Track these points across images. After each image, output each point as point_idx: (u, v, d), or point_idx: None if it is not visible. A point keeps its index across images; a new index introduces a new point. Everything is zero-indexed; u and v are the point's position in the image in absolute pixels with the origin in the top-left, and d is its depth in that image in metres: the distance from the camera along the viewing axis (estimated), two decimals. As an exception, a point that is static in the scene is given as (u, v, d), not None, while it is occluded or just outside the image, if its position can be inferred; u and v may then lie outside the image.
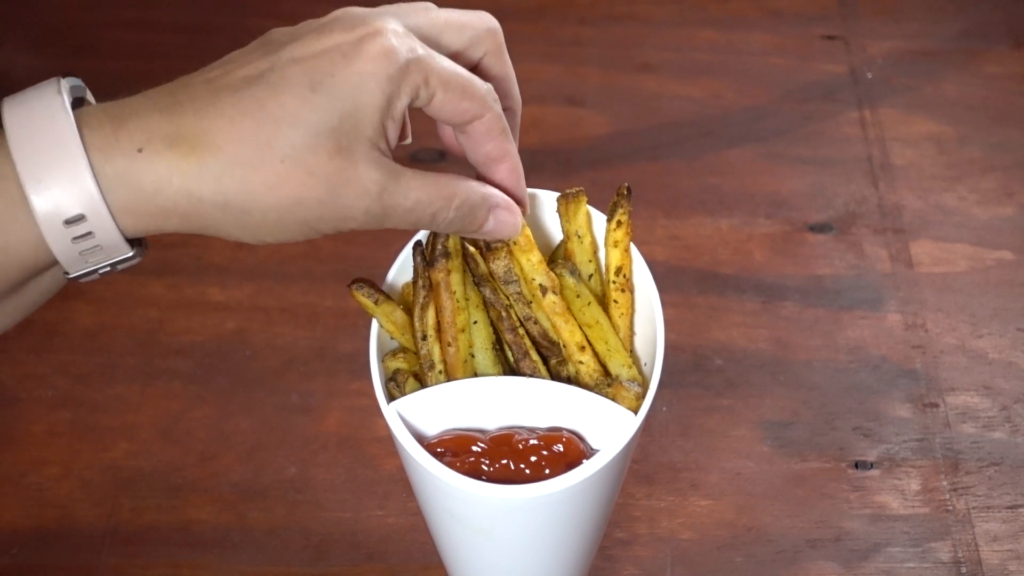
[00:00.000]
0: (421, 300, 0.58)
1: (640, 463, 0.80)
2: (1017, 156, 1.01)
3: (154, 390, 0.84)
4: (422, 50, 0.49)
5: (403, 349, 0.60)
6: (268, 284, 0.90)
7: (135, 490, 0.79)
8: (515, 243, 0.56)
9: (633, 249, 0.60)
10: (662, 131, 1.03)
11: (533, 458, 0.57)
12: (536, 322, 0.59)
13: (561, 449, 0.57)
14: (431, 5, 0.53)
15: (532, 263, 0.57)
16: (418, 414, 0.58)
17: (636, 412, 0.57)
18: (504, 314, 0.59)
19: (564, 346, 0.59)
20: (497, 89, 0.53)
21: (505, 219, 0.54)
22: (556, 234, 0.62)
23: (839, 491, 0.79)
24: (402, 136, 0.53)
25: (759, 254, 0.93)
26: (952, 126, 1.03)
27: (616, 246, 0.59)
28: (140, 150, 0.47)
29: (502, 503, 0.55)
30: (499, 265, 0.58)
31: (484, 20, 0.54)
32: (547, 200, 0.62)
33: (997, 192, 0.98)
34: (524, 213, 0.56)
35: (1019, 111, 1.04)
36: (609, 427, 0.57)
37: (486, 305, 0.60)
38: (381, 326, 0.59)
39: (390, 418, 0.56)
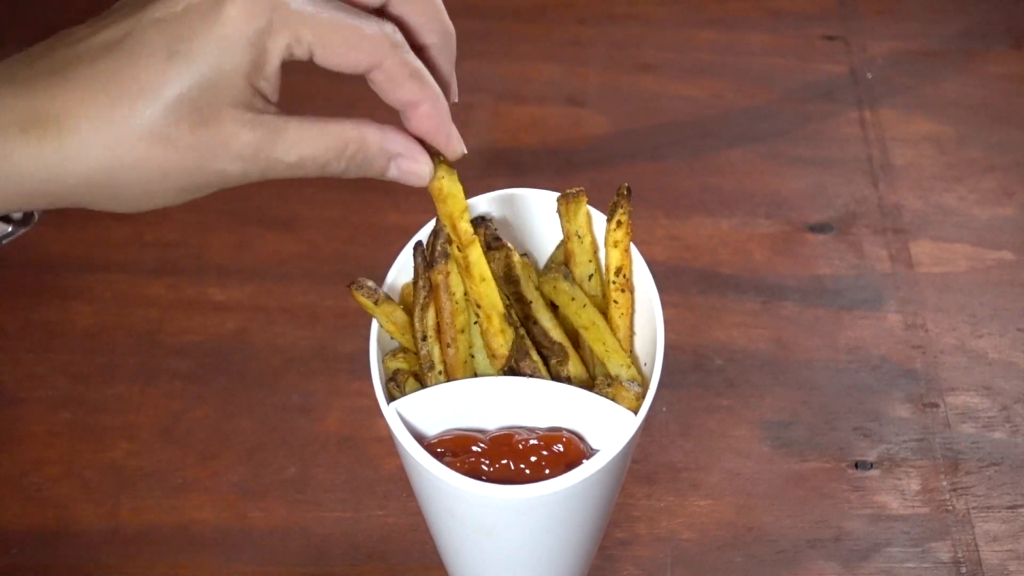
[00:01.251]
0: (421, 301, 0.58)
1: (640, 463, 0.80)
2: (1017, 156, 1.01)
3: (154, 390, 0.84)
4: (294, 3, 0.46)
5: (403, 349, 0.61)
6: (268, 284, 0.90)
7: (135, 490, 0.79)
8: (434, 187, 0.53)
9: (633, 249, 0.60)
10: (662, 131, 1.03)
11: (533, 458, 0.57)
12: (536, 322, 0.59)
13: (561, 449, 0.57)
14: None
15: (448, 211, 0.53)
16: (418, 414, 0.58)
17: (636, 412, 0.57)
18: (504, 314, 0.59)
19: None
20: (414, 27, 0.50)
21: (409, 168, 0.51)
22: (556, 234, 0.62)
23: (839, 491, 0.79)
24: None
25: (759, 254, 0.93)
26: (952, 126, 1.03)
27: (616, 246, 0.59)
28: None
29: (502, 503, 0.55)
30: (499, 265, 0.58)
31: None
32: (547, 200, 0.62)
33: (997, 192, 0.98)
34: (451, 154, 0.52)
35: (1019, 111, 1.04)
36: (609, 427, 0.57)
37: (486, 305, 0.60)
38: (381, 326, 0.59)
39: (390, 418, 0.56)
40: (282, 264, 0.91)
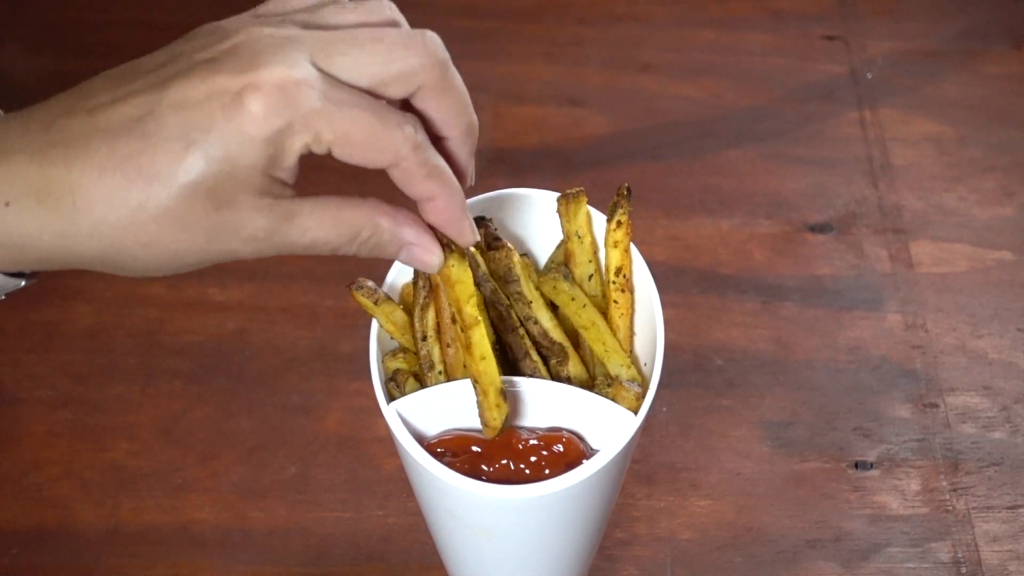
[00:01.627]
0: (421, 301, 0.58)
1: (640, 463, 0.80)
2: (1017, 156, 1.01)
3: (154, 390, 0.84)
4: (315, 100, 0.45)
5: (403, 349, 0.60)
6: (268, 284, 0.90)
7: (135, 490, 0.79)
8: (443, 274, 0.53)
9: (633, 249, 0.60)
10: (662, 131, 1.03)
11: (533, 458, 0.57)
12: (536, 322, 0.59)
13: (561, 449, 0.57)
14: (364, 15, 0.49)
15: (455, 296, 0.54)
16: (418, 414, 0.58)
17: (636, 412, 0.57)
18: (504, 314, 0.59)
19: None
20: (437, 121, 0.50)
21: (419, 256, 0.51)
22: (556, 234, 0.62)
23: (839, 491, 0.79)
24: None
25: (759, 254, 0.93)
26: (952, 126, 1.03)
27: (616, 246, 0.59)
28: (7, 204, 0.45)
29: (502, 503, 0.55)
30: (500, 265, 0.58)
31: (425, 47, 0.49)
32: (547, 200, 0.62)
33: (997, 192, 0.98)
34: (463, 244, 0.52)
35: (1019, 111, 1.04)
36: (609, 427, 0.57)
37: (486, 305, 0.60)
38: (381, 326, 0.59)
39: (390, 418, 0.56)
40: (282, 264, 0.91)
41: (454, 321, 0.55)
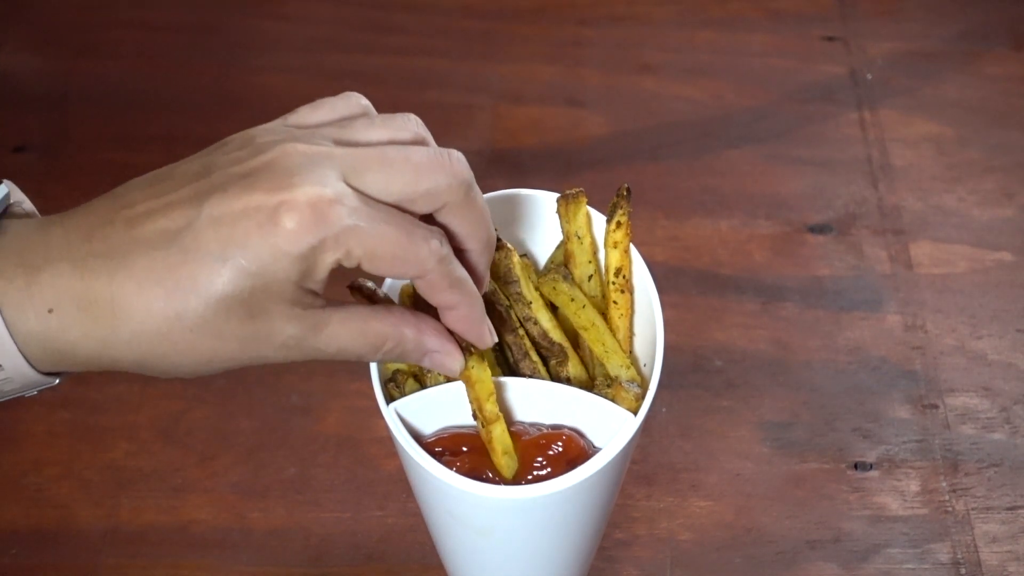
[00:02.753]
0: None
1: (640, 464, 0.80)
2: (1017, 157, 1.01)
3: (154, 390, 0.84)
4: (348, 219, 0.47)
5: (403, 350, 0.61)
6: (268, 284, 0.90)
7: (135, 490, 0.79)
8: (464, 375, 0.55)
9: (633, 250, 0.60)
10: (662, 132, 1.03)
11: (533, 459, 0.57)
12: (536, 323, 0.59)
13: (561, 450, 0.57)
14: (393, 129, 0.51)
15: (475, 395, 0.56)
16: (417, 415, 0.58)
17: (636, 413, 0.57)
18: (504, 315, 0.59)
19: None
20: (459, 235, 0.51)
21: (441, 361, 0.53)
22: (556, 235, 0.62)
23: (838, 492, 0.79)
24: None
25: (759, 255, 0.93)
26: (952, 127, 1.03)
27: (616, 247, 0.59)
28: (51, 311, 0.47)
29: (501, 503, 0.55)
30: (500, 266, 0.58)
31: (452, 168, 0.50)
32: (547, 201, 0.62)
33: (997, 193, 0.98)
34: (483, 347, 0.54)
35: (1019, 112, 1.04)
36: (609, 428, 0.57)
37: (487, 306, 0.60)
38: (381, 327, 0.59)
39: (389, 419, 0.56)
40: (282, 264, 0.91)
41: (475, 418, 0.57)
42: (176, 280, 0.47)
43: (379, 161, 0.49)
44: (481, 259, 0.53)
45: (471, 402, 0.57)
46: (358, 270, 0.49)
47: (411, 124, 0.52)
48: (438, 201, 0.50)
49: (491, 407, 0.56)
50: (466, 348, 0.54)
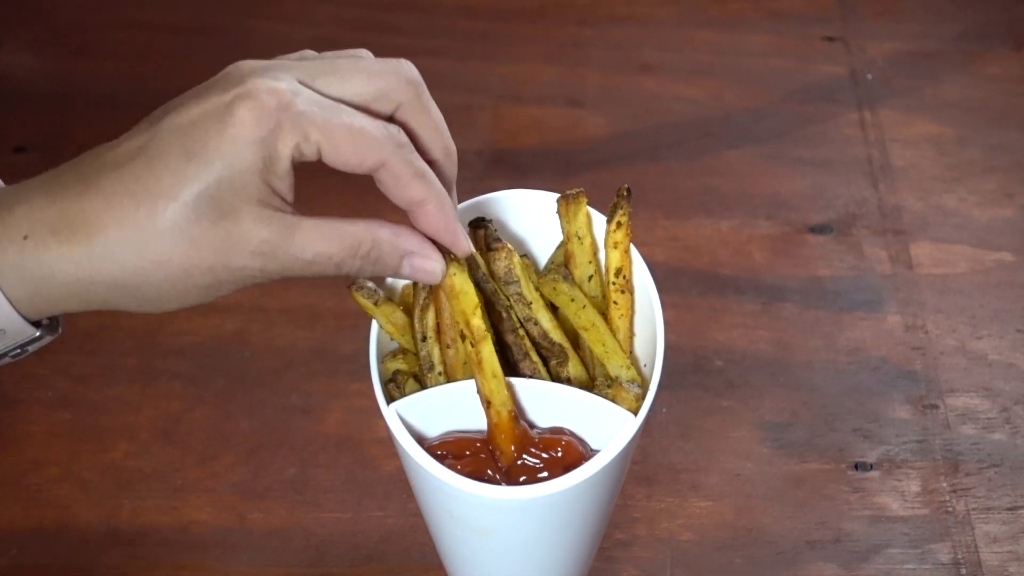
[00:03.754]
0: (421, 302, 0.58)
1: (640, 464, 0.80)
2: (1017, 157, 1.01)
3: (154, 391, 0.84)
4: (302, 105, 0.48)
5: (403, 350, 0.60)
6: (268, 285, 0.89)
7: (135, 491, 0.79)
8: (442, 287, 0.54)
9: (633, 250, 0.60)
10: (662, 132, 1.03)
11: (533, 460, 0.57)
12: (536, 323, 0.59)
13: (561, 450, 0.57)
14: (343, 54, 0.53)
15: (460, 308, 0.55)
16: (418, 415, 0.58)
17: (636, 413, 0.57)
18: (505, 315, 0.59)
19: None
20: (418, 142, 0.52)
21: (422, 265, 0.53)
22: (556, 235, 0.62)
23: (839, 492, 0.79)
24: None
25: (759, 255, 0.93)
26: (952, 127, 1.03)
27: (616, 247, 0.59)
28: (25, 237, 0.48)
29: (502, 504, 0.55)
30: (500, 266, 0.58)
31: (400, 70, 0.52)
32: (547, 201, 0.62)
33: (997, 193, 0.98)
34: (460, 252, 0.54)
35: (1019, 112, 1.04)
36: (609, 428, 0.57)
37: (487, 306, 0.60)
38: (381, 327, 0.59)
39: (390, 419, 0.56)
40: (282, 265, 0.91)
41: (464, 338, 0.56)
42: (144, 186, 0.48)
43: (331, 67, 0.51)
44: (446, 170, 0.54)
45: (455, 316, 0.55)
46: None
47: (360, 52, 0.54)
48: (392, 101, 0.51)
49: (478, 322, 0.55)
50: (445, 255, 0.53)
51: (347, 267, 0.51)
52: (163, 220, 0.48)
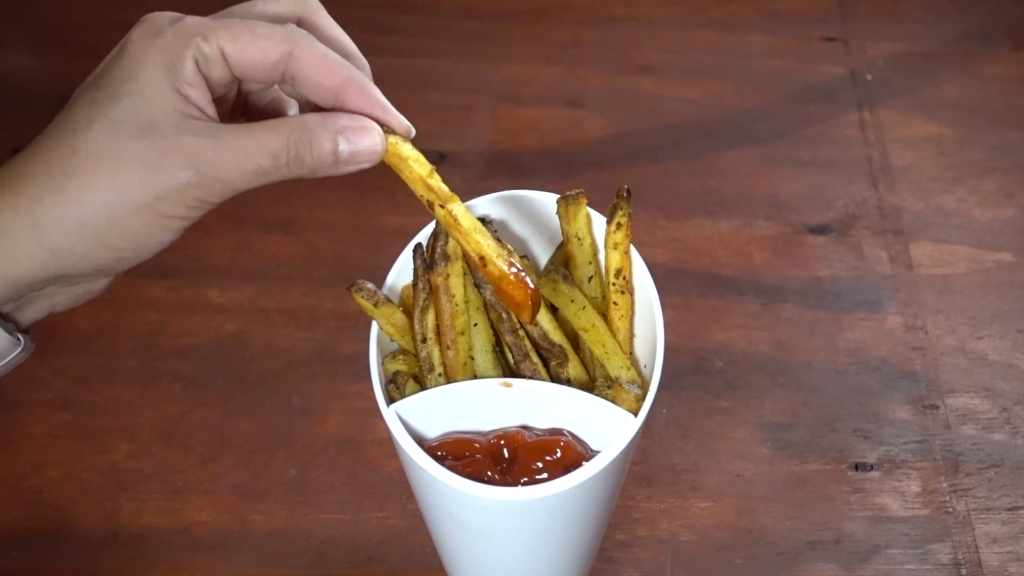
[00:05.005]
0: (421, 303, 0.58)
1: (640, 465, 0.80)
2: (1017, 158, 1.01)
3: (154, 392, 0.84)
4: (195, 19, 0.50)
5: (403, 351, 0.61)
6: (268, 286, 0.90)
7: (135, 492, 0.79)
8: (392, 155, 0.52)
9: (633, 251, 0.60)
10: (662, 133, 1.03)
11: (533, 461, 0.57)
12: (536, 324, 0.59)
13: (561, 451, 0.57)
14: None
15: (414, 176, 0.53)
16: (418, 416, 0.58)
17: (636, 414, 0.57)
18: (504, 316, 0.59)
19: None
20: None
21: (358, 138, 0.52)
22: (556, 236, 0.62)
23: (839, 493, 0.79)
24: None
25: (759, 256, 0.93)
26: (952, 128, 1.03)
27: (616, 248, 0.59)
28: None
29: (502, 505, 0.55)
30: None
31: None
32: (547, 202, 0.62)
33: (997, 194, 0.98)
34: (399, 125, 0.53)
35: (1019, 113, 1.04)
36: (609, 429, 0.57)
37: (486, 307, 0.60)
38: (381, 328, 0.59)
39: (390, 420, 0.56)
40: (282, 266, 0.91)
41: (431, 206, 0.54)
42: (65, 125, 0.50)
43: (225, 13, 0.53)
44: (359, 64, 0.54)
45: (413, 186, 0.53)
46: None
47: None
48: (290, 16, 0.53)
49: (437, 183, 0.53)
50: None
51: (283, 158, 0.51)
52: (83, 145, 0.49)
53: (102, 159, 0.49)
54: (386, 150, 0.52)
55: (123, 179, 0.49)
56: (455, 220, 0.54)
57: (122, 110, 0.50)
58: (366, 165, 0.53)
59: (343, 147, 0.52)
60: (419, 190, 0.53)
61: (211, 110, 0.51)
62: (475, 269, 0.56)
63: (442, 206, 0.54)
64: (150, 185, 0.49)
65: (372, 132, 0.52)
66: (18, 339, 0.55)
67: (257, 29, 0.50)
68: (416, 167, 0.53)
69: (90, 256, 0.51)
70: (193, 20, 0.51)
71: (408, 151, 0.53)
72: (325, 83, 0.51)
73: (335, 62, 0.51)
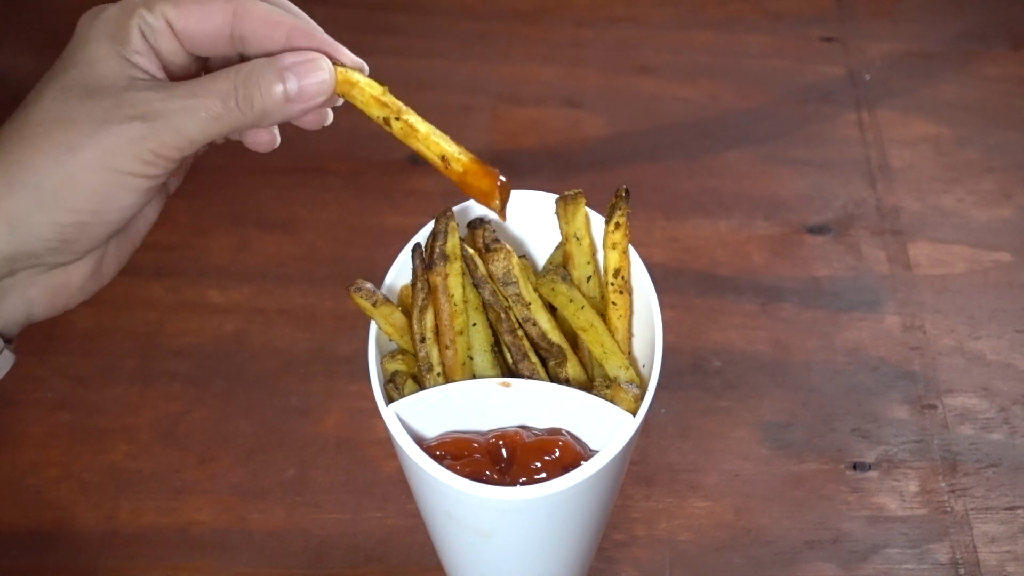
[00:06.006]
0: (419, 303, 0.58)
1: (639, 464, 0.80)
2: (1015, 158, 1.01)
3: (153, 392, 0.84)
4: None
5: (402, 351, 0.61)
6: (267, 286, 0.90)
7: (134, 492, 0.79)
8: (342, 83, 0.53)
9: (632, 251, 0.60)
10: (660, 133, 1.03)
11: (532, 461, 0.57)
12: (535, 324, 0.59)
13: (559, 451, 0.57)
14: None
15: (364, 98, 0.53)
16: (417, 416, 0.58)
17: (635, 414, 0.57)
18: (503, 315, 0.59)
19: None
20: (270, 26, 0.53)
21: (308, 73, 0.52)
22: (554, 236, 0.62)
23: (837, 492, 0.79)
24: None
25: (757, 256, 0.93)
26: (950, 128, 1.03)
27: (614, 248, 0.59)
28: None
29: (501, 505, 0.55)
30: (498, 267, 0.58)
31: None
32: (546, 202, 0.62)
33: (995, 194, 0.98)
34: (349, 61, 0.53)
35: (1017, 113, 1.04)
36: (608, 428, 0.57)
37: (485, 307, 0.60)
38: (380, 328, 0.60)
39: (389, 420, 0.56)
40: (281, 266, 0.91)
41: (387, 122, 0.54)
42: (23, 104, 0.52)
43: None
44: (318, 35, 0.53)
45: (368, 108, 0.54)
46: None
47: None
48: None
49: (390, 99, 0.54)
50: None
51: (231, 99, 0.51)
52: (35, 113, 0.50)
53: (52, 123, 0.50)
54: (336, 79, 0.53)
55: (73, 137, 0.50)
56: (412, 128, 0.54)
57: (70, 78, 0.51)
58: (319, 100, 0.53)
59: (292, 83, 0.52)
60: (374, 111, 0.54)
61: (161, 76, 0.52)
62: (438, 170, 0.56)
63: (397, 119, 0.54)
64: (100, 138, 0.50)
65: (319, 63, 0.52)
66: None
67: None
68: (368, 88, 0.53)
69: (49, 223, 0.51)
70: None
71: (358, 76, 0.53)
72: (273, 35, 0.52)
73: (280, 13, 0.52)
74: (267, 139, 0.55)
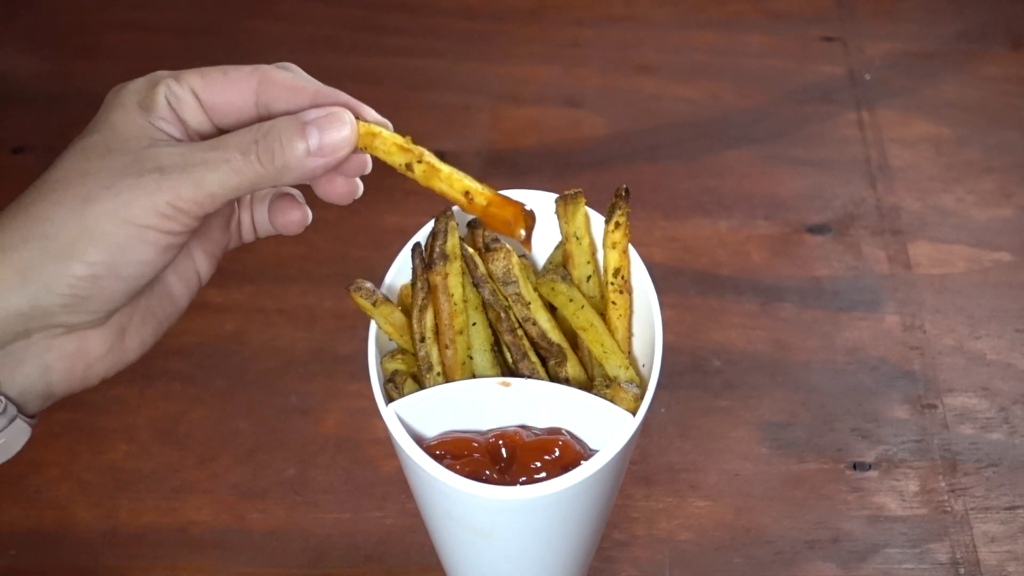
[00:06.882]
0: (419, 302, 0.58)
1: (639, 464, 0.80)
2: (1015, 157, 1.01)
3: (153, 391, 0.84)
4: (166, 71, 0.53)
5: (402, 350, 0.61)
6: (267, 285, 0.90)
7: (134, 491, 0.79)
8: (364, 136, 0.53)
9: (631, 250, 0.60)
10: (660, 133, 1.03)
11: (532, 460, 0.57)
12: (535, 323, 0.59)
13: (559, 451, 0.57)
14: None
15: (391, 145, 0.54)
16: (416, 415, 0.58)
17: (634, 413, 0.57)
18: (503, 315, 0.59)
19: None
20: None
21: (330, 126, 0.52)
22: (554, 235, 0.62)
23: (837, 492, 0.79)
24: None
25: (757, 255, 0.93)
26: (950, 127, 1.03)
27: (614, 248, 0.59)
28: None
29: (501, 504, 0.55)
30: (498, 266, 0.58)
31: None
32: (545, 201, 0.62)
33: (995, 193, 0.98)
34: (369, 116, 0.54)
35: (1017, 112, 1.04)
36: (607, 428, 0.57)
37: (485, 306, 0.60)
38: (379, 327, 0.60)
39: (389, 420, 0.56)
40: (281, 266, 0.91)
41: (409, 168, 0.54)
42: (46, 171, 0.52)
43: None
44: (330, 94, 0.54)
45: (392, 159, 0.54)
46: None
47: None
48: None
49: (411, 144, 0.54)
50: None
51: (251, 153, 0.51)
52: (52, 174, 0.51)
53: (70, 178, 0.50)
54: (357, 132, 0.53)
55: (89, 189, 0.49)
56: (435, 169, 0.54)
57: (93, 141, 0.51)
58: (341, 154, 0.52)
59: (313, 137, 0.51)
60: (396, 158, 0.54)
61: (182, 134, 0.53)
62: (463, 208, 0.56)
63: (419, 162, 0.54)
64: (117, 190, 0.49)
65: (341, 116, 0.52)
66: (5, 407, 0.54)
67: (226, 68, 0.52)
68: (389, 136, 0.54)
69: (62, 274, 0.50)
70: (162, 73, 0.53)
71: (377, 129, 0.54)
72: (298, 100, 0.52)
73: (304, 80, 0.53)
74: (345, 190, 0.55)
